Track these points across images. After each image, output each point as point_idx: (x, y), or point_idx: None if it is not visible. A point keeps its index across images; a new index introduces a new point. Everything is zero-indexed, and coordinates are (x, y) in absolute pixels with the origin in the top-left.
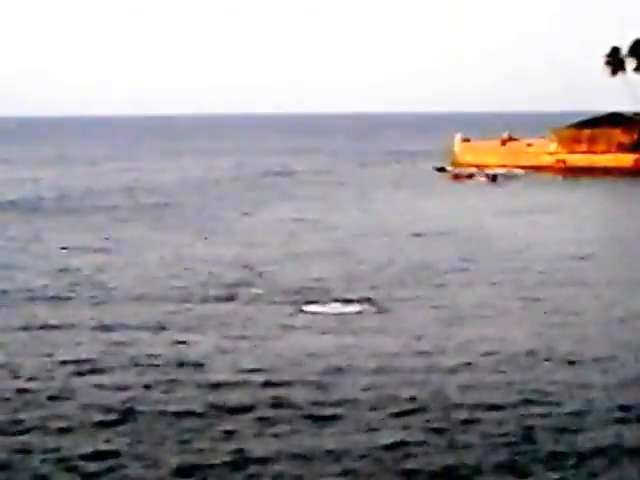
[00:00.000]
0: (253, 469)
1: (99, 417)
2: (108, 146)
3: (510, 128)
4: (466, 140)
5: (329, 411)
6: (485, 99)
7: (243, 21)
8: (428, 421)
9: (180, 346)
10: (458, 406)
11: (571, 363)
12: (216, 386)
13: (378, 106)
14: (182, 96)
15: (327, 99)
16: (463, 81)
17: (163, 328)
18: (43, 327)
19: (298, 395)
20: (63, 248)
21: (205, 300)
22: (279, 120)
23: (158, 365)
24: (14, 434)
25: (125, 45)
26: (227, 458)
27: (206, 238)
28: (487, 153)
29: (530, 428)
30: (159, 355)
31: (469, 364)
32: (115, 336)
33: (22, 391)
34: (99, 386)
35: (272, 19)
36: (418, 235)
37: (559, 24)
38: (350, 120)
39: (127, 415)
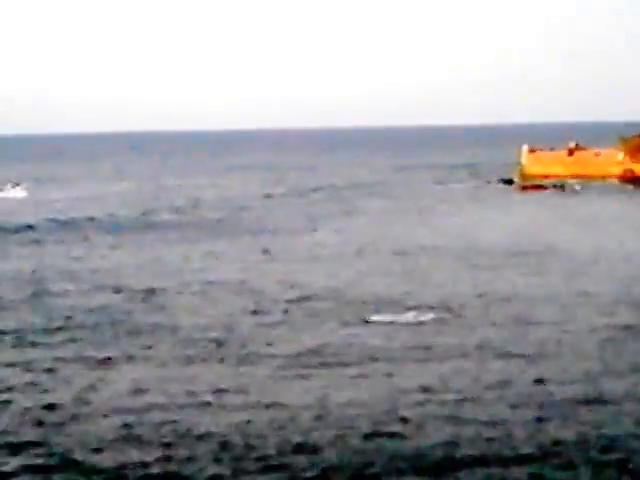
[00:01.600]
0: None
1: None
2: (155, 161)
3: (575, 138)
4: (533, 151)
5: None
6: (547, 110)
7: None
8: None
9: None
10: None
11: None
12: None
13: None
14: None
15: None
16: (523, 91)
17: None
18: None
19: None
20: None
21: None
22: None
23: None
24: None
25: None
26: None
27: (267, 252)
28: (555, 163)
29: None
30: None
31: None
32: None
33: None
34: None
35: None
36: (484, 251)
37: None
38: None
39: None
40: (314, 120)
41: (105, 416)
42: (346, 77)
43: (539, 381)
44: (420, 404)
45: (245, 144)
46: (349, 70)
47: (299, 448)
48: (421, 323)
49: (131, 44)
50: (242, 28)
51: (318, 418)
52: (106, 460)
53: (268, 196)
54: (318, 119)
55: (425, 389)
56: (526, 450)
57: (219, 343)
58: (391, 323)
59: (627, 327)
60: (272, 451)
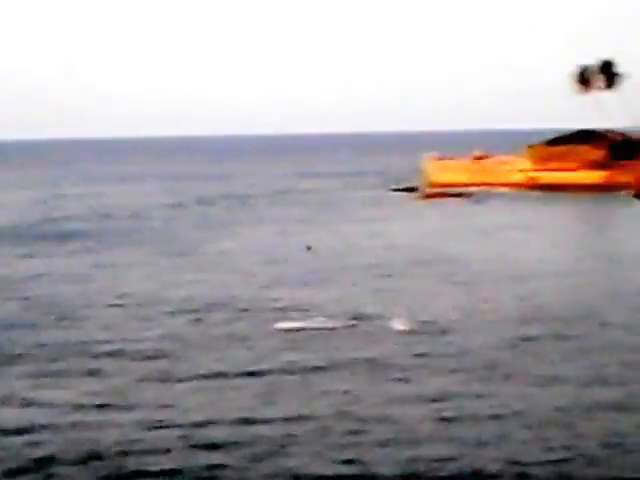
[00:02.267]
0: None
1: None
2: (60, 169)
3: (481, 146)
4: (437, 159)
5: None
6: (455, 117)
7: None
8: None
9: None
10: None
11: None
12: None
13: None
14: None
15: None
16: (434, 100)
17: (154, 346)
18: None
19: None
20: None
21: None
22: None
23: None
24: None
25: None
26: None
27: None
28: (459, 171)
29: None
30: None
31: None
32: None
33: None
34: None
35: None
36: (385, 257)
37: (530, 45)
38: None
39: None
40: (231, 127)
41: None
42: (262, 83)
43: (440, 394)
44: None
45: (157, 151)
46: (262, 76)
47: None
48: (329, 329)
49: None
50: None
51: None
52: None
53: (176, 205)
54: (235, 126)
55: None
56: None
57: (129, 356)
58: (298, 330)
59: (528, 338)
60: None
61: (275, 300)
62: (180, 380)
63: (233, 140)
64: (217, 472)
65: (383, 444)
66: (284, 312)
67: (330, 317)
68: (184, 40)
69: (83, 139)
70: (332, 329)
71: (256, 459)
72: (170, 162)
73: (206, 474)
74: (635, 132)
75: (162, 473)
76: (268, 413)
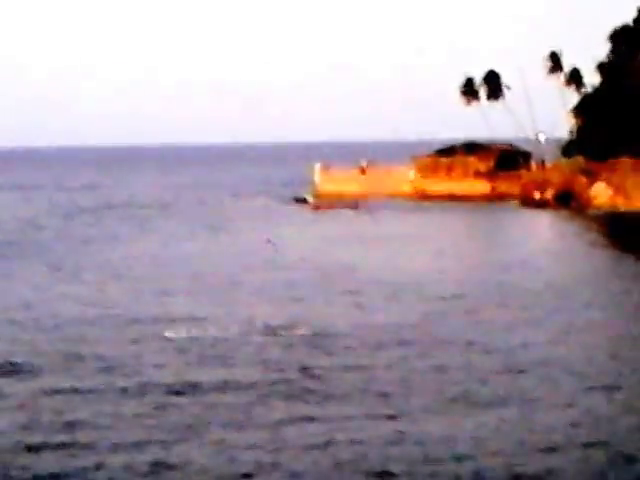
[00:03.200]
0: None
1: None
2: None
3: (369, 156)
4: (326, 169)
5: None
6: (339, 128)
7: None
8: None
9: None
10: None
11: None
12: None
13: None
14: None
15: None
16: (322, 111)
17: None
18: None
19: None
20: None
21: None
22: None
23: None
24: None
25: None
26: None
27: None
28: (347, 181)
29: None
30: None
31: None
32: None
33: None
34: None
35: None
36: (277, 267)
37: (414, 57)
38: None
39: None
40: (118, 136)
41: None
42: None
43: (328, 397)
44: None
45: (32, 162)
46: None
47: None
48: (219, 339)
49: None
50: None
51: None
52: None
53: (60, 215)
54: (122, 135)
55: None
56: None
57: (20, 367)
58: (189, 338)
59: (409, 342)
60: None
61: (165, 310)
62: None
63: (104, 150)
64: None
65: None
66: (173, 321)
67: (221, 326)
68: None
69: None
70: (223, 338)
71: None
72: (41, 171)
73: None
74: (519, 142)
75: None
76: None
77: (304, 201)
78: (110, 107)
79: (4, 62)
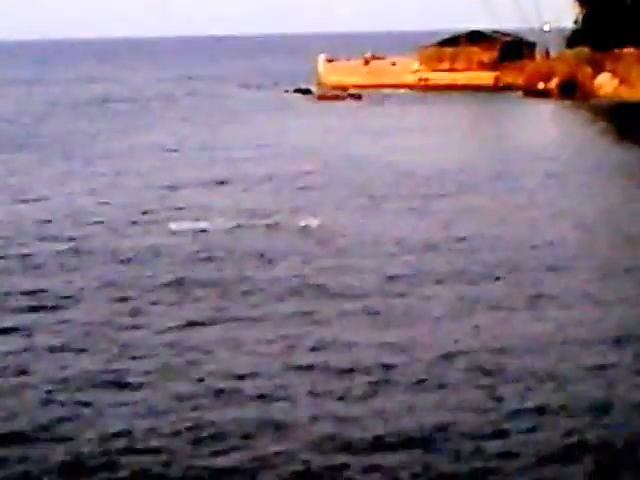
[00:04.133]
0: None
1: None
2: None
3: (373, 48)
4: (330, 61)
5: None
6: (349, 18)
7: None
8: None
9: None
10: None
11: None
12: None
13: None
14: None
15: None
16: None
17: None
18: None
19: None
20: None
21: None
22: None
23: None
24: None
25: None
26: None
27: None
28: (351, 73)
29: None
30: None
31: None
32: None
33: None
34: None
35: None
36: (278, 153)
37: None
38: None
39: None
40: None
41: None
42: None
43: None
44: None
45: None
46: None
47: None
48: (226, 230)
49: None
50: None
51: None
52: None
53: (67, 108)
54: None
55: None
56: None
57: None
58: (192, 231)
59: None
60: None
61: (172, 202)
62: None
63: (110, 43)
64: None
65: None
66: (181, 213)
67: (229, 217)
68: None
69: None
70: (232, 228)
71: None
72: (29, 65)
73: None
74: (524, 32)
75: None
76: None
77: (308, 92)
78: None
79: None
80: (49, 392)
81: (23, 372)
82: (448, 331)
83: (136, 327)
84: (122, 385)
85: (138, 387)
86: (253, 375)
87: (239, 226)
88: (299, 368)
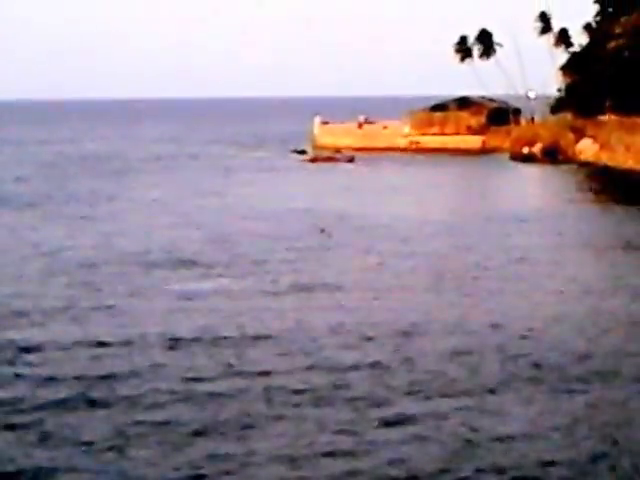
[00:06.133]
0: None
1: None
2: None
3: (366, 112)
4: (325, 123)
5: None
6: (340, 84)
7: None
8: None
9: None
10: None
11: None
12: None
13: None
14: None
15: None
16: (319, 66)
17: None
18: None
19: None
20: None
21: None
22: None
23: None
24: None
25: None
26: None
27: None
28: (345, 135)
29: None
30: None
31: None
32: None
33: None
34: None
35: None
36: (273, 213)
37: (409, 16)
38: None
39: None
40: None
41: None
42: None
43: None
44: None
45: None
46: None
47: None
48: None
49: None
50: None
51: None
52: None
53: (51, 167)
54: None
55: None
56: None
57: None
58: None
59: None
60: None
61: (175, 258)
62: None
63: (102, 104)
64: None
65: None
66: (184, 269)
67: (231, 277)
68: None
69: None
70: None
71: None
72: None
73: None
74: (510, 99)
75: None
76: None
77: (303, 152)
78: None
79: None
80: None
81: None
82: None
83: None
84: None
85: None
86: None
87: (244, 289)
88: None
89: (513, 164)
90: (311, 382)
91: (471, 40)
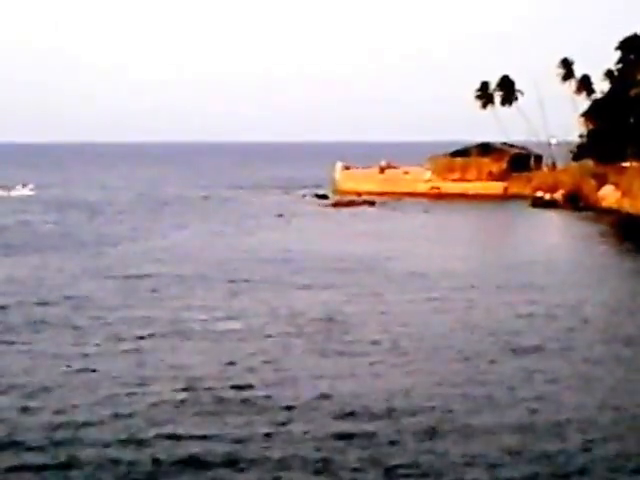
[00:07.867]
0: None
1: None
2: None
3: (388, 157)
4: (347, 168)
5: None
6: (362, 129)
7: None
8: None
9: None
10: None
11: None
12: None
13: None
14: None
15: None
16: (341, 111)
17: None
18: None
19: None
20: None
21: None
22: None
23: None
24: None
25: None
26: None
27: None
28: (366, 180)
29: None
30: None
31: None
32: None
33: None
34: None
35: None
36: (290, 259)
37: (430, 64)
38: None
39: None
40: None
41: None
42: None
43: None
44: None
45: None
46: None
47: None
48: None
49: None
50: None
51: None
52: None
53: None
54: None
55: None
56: None
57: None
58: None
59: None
60: None
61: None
62: None
63: (116, 147)
64: None
65: None
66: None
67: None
68: None
69: None
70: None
71: None
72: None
73: None
74: (531, 145)
75: None
76: None
77: (325, 197)
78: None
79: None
80: None
81: None
82: None
83: None
84: None
85: None
86: None
87: (259, 327)
88: None
89: (535, 210)
90: None
91: (492, 86)
